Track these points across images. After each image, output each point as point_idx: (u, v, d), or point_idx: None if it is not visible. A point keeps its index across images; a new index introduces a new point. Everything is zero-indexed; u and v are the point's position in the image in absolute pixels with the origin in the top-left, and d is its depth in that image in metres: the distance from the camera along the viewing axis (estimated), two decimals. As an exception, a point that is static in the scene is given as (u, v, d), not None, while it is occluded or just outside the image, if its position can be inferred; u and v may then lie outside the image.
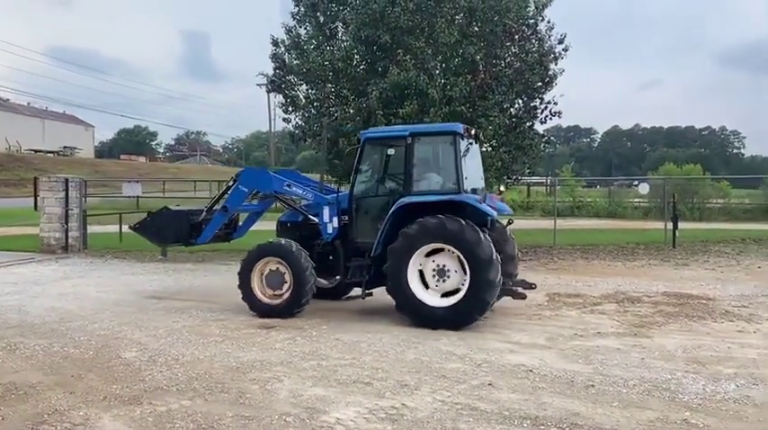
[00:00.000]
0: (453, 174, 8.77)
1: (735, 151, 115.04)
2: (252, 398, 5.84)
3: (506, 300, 9.29)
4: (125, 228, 16.00)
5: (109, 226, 20.48)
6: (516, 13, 15.45)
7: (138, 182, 32.73)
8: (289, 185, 9.95)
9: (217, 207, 10.49)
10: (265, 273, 9.27)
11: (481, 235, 8.17)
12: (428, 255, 8.50)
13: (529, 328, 8.50)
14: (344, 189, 10.20)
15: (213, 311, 9.70)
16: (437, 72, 15.42)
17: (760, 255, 15.60)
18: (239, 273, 9.39)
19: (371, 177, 9.81)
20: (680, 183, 27.57)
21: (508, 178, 17.33)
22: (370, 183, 9.75)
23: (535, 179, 44.86)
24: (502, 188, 11.00)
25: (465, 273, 8.29)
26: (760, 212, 26.89)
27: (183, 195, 34.61)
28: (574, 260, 15.55)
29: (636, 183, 32.30)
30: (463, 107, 14.76)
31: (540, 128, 17.45)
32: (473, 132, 9.48)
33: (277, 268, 9.17)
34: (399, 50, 14.79)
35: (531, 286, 9.52)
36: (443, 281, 8.45)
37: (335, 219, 9.42)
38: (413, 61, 14.51)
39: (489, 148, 16.63)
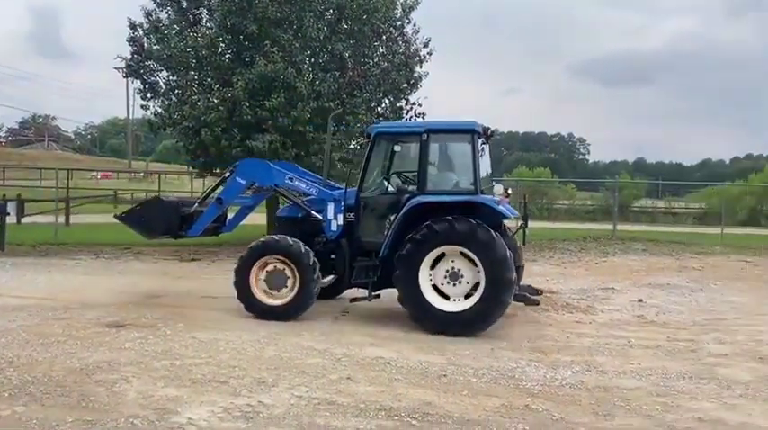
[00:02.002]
0: (470, 174, 8.40)
1: (580, 157, 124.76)
2: (96, 400, 5.47)
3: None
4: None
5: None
6: (384, 13, 15.72)
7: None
8: (291, 179, 9.34)
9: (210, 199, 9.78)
10: (266, 271, 8.66)
11: (494, 234, 7.86)
12: (438, 258, 8.13)
13: (390, 322, 8.68)
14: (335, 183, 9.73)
15: (56, 309, 8.98)
16: (305, 66, 15.32)
17: (598, 253, 17.03)
18: (236, 271, 8.72)
19: (381, 174, 9.33)
20: (531, 184, 29.57)
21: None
22: (379, 179, 9.26)
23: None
24: (509, 190, 10.49)
25: (478, 276, 7.97)
26: (600, 213, 29.47)
27: (27, 184, 31.70)
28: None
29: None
30: (331, 103, 14.79)
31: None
32: (489, 131, 9.07)
33: (280, 267, 8.58)
34: (267, 42, 14.52)
35: (538, 292, 9.31)
36: (456, 284, 8.07)
37: (340, 217, 8.90)
38: (281, 53, 14.30)
39: (357, 146, 16.86)
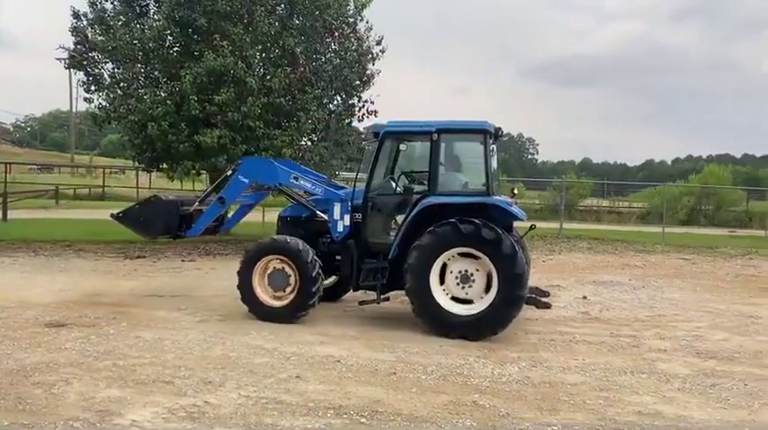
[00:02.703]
0: (482, 175, 8.25)
1: (530, 156, 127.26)
2: (34, 403, 5.28)
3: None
4: None
5: None
6: (336, 10, 15.65)
7: None
8: (296, 178, 9.01)
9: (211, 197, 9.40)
10: (268, 272, 8.40)
11: (500, 231, 7.73)
12: (447, 263, 7.94)
13: (342, 320, 8.66)
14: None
15: (-9, 309, 8.61)
16: (256, 61, 15.12)
17: (545, 250, 17.39)
18: (239, 272, 8.44)
19: (390, 173, 9.11)
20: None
21: (326, 172, 17.51)
22: (388, 179, 9.04)
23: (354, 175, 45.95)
24: (515, 190, 10.44)
25: (491, 281, 7.80)
26: (548, 212, 30.03)
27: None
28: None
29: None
30: (282, 99, 14.66)
31: (359, 126, 17.90)
32: (499, 132, 8.80)
33: (282, 268, 8.32)
34: (216, 35, 14.27)
35: (545, 293, 9.10)
36: (467, 287, 7.89)
37: (347, 217, 8.64)
38: (230, 47, 14.07)
39: (309, 142, 16.76)
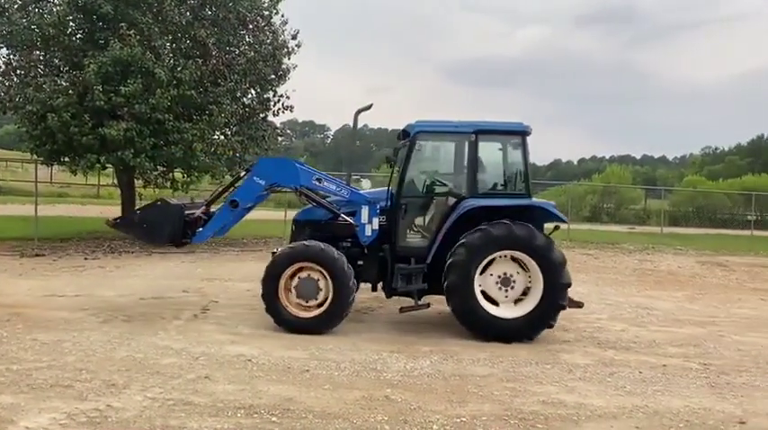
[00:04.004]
0: (521, 176, 8.17)
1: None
2: None
3: (234, 292, 9.17)
4: None
5: None
6: (251, 2, 15.41)
7: None
8: (319, 180, 8.46)
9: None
10: (296, 281, 7.84)
11: (551, 239, 7.75)
12: (487, 264, 7.78)
13: (253, 318, 8.51)
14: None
15: None
16: (165, 51, 14.59)
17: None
18: (263, 281, 7.83)
19: (423, 175, 8.76)
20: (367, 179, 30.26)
21: (240, 168, 17.15)
22: (420, 181, 8.69)
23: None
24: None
25: (529, 281, 7.77)
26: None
27: None
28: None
29: (357, 177, 34.61)
30: (193, 91, 14.24)
31: (276, 121, 17.68)
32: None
33: (310, 275, 7.80)
34: (123, 24, 13.68)
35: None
36: (508, 290, 7.79)
37: (375, 220, 8.22)
38: (138, 37, 13.52)
39: (222, 137, 16.36)
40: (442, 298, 8.02)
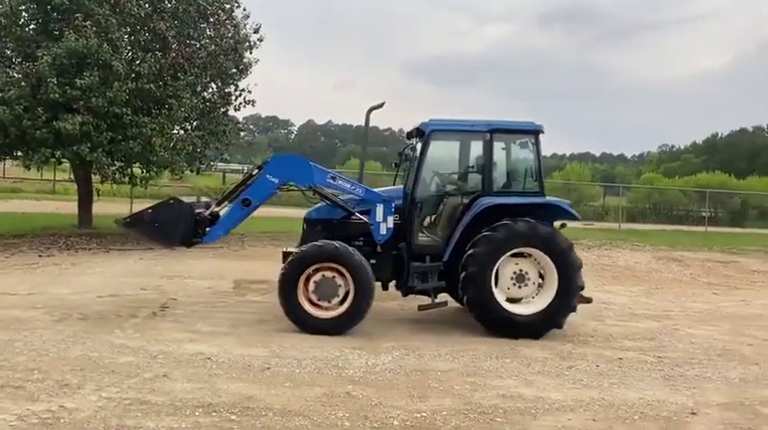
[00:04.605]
0: (534, 175, 8.31)
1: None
2: None
3: (193, 289, 9.03)
4: None
5: None
6: (212, -6, 15.15)
7: None
8: (333, 178, 8.34)
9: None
10: (315, 281, 7.69)
11: (570, 240, 7.94)
12: (511, 257, 7.89)
13: (212, 316, 8.41)
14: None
15: None
16: (123, 44, 14.29)
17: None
18: (280, 281, 7.65)
19: (437, 173, 8.82)
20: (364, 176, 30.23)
21: (201, 163, 16.93)
22: (434, 179, 8.76)
23: (233, 166, 44.91)
24: None
25: (543, 279, 7.94)
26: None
27: None
28: (264, 247, 15.87)
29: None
30: (152, 85, 13.95)
31: (239, 115, 17.46)
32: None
33: (331, 276, 7.68)
34: (78, 15, 13.31)
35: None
36: (522, 287, 7.93)
37: (390, 219, 8.18)
38: (94, 29, 13.18)
39: (182, 131, 16.07)
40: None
